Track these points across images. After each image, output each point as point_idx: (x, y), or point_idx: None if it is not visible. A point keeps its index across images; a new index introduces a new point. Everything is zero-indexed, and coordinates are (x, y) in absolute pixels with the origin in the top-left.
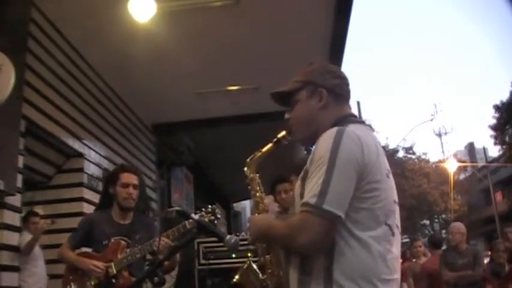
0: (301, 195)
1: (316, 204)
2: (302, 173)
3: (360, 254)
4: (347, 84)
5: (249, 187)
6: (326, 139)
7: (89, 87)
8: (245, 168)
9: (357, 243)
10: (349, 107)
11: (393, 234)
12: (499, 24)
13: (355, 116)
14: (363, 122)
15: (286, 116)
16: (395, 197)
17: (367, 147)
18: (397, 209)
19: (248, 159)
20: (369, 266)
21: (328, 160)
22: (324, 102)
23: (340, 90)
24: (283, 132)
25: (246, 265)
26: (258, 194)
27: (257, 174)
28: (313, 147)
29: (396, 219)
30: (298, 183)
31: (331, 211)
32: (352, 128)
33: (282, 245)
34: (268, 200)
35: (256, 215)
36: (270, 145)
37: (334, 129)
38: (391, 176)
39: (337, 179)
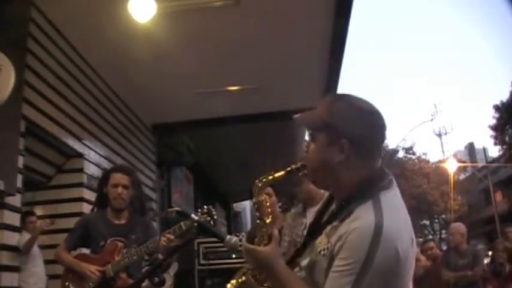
0: (326, 271)
1: None
2: (329, 247)
3: None
4: (379, 132)
5: (255, 207)
6: (363, 236)
7: (88, 87)
8: (253, 190)
9: None
10: (379, 159)
11: None
12: (499, 24)
13: (382, 173)
14: (391, 182)
15: (305, 149)
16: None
17: (401, 245)
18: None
19: (257, 181)
20: None
21: (360, 266)
22: (343, 156)
23: (368, 143)
24: (299, 164)
25: (242, 279)
26: (265, 218)
27: (266, 196)
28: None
29: None
30: (323, 239)
31: None
32: (387, 218)
33: None
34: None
35: (254, 246)
36: (282, 172)
37: (372, 225)
38: (414, 244)
39: None
